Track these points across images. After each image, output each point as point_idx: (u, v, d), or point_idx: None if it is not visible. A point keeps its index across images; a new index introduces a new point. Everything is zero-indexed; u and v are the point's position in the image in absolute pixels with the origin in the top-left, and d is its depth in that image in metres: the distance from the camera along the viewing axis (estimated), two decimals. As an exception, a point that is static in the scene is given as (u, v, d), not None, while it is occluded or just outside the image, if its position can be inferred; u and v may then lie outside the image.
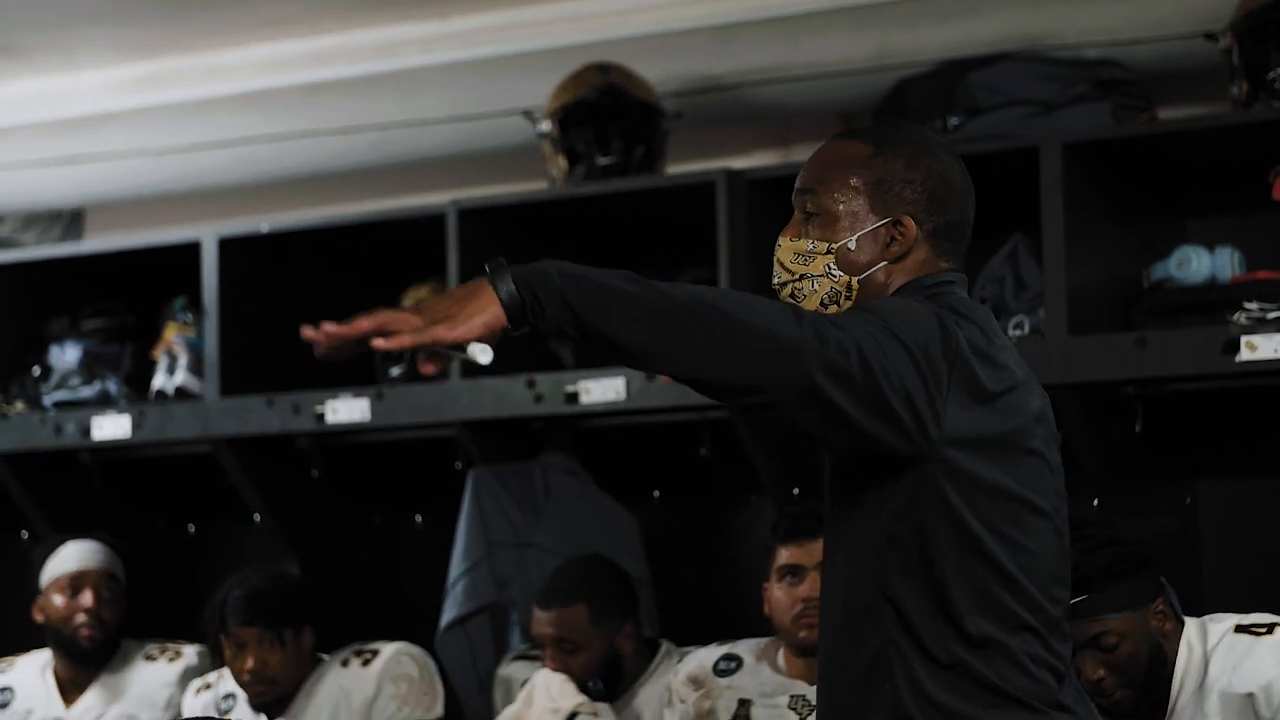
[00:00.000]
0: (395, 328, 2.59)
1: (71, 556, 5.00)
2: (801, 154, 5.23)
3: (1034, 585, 2.73)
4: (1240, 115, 4.21)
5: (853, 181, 2.84)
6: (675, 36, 5.08)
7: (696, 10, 5.09)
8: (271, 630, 4.60)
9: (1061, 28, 4.64)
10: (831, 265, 2.83)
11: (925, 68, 4.72)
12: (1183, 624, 3.65)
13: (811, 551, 4.02)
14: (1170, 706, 3.59)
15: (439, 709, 4.66)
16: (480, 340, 2.59)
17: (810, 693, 4.02)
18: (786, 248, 2.86)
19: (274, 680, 4.62)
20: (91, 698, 5.00)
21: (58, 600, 4.97)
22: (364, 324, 2.58)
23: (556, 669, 4.34)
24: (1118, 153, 4.29)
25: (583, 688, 4.32)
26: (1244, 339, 3.95)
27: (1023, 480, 2.73)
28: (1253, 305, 4.03)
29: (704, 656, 4.25)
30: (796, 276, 2.85)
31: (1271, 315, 3.99)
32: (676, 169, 5.03)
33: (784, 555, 4.07)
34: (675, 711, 4.22)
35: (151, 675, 4.98)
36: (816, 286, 2.84)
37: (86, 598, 4.95)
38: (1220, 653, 3.58)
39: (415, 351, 2.62)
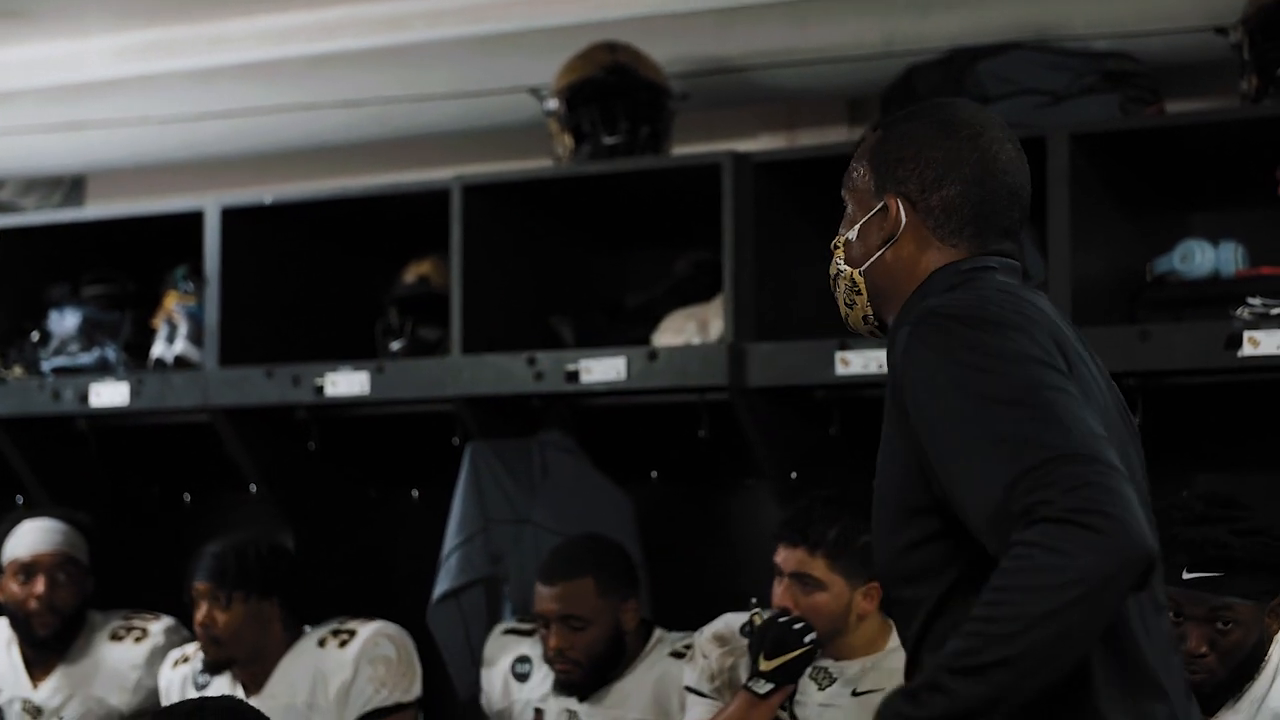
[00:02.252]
0: None
1: (24, 542, 4.91)
2: (807, 138, 5.25)
3: None
4: (1249, 110, 4.21)
5: (860, 171, 2.78)
6: (683, 17, 5.07)
7: (706, -9, 5.09)
8: (222, 590, 4.58)
9: (1071, 18, 4.63)
10: (840, 261, 2.79)
11: (934, 55, 4.71)
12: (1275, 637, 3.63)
13: (786, 559, 4.01)
14: (1237, 698, 3.59)
15: (417, 689, 4.64)
16: None
17: (832, 666, 4.03)
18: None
19: (219, 641, 4.58)
20: (58, 679, 4.95)
21: (12, 586, 4.90)
22: None
23: (560, 646, 4.32)
24: (1125, 145, 4.29)
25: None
26: (1246, 334, 3.95)
27: None
28: (1255, 300, 4.03)
29: (731, 619, 4.26)
30: (833, 276, 2.80)
31: (1274, 311, 3.99)
32: (682, 150, 5.03)
33: (776, 552, 4.06)
34: (697, 667, 4.22)
35: (119, 657, 4.93)
36: (839, 288, 2.80)
37: (39, 585, 4.86)
38: None
39: None
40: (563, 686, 4.41)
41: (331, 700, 4.58)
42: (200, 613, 4.59)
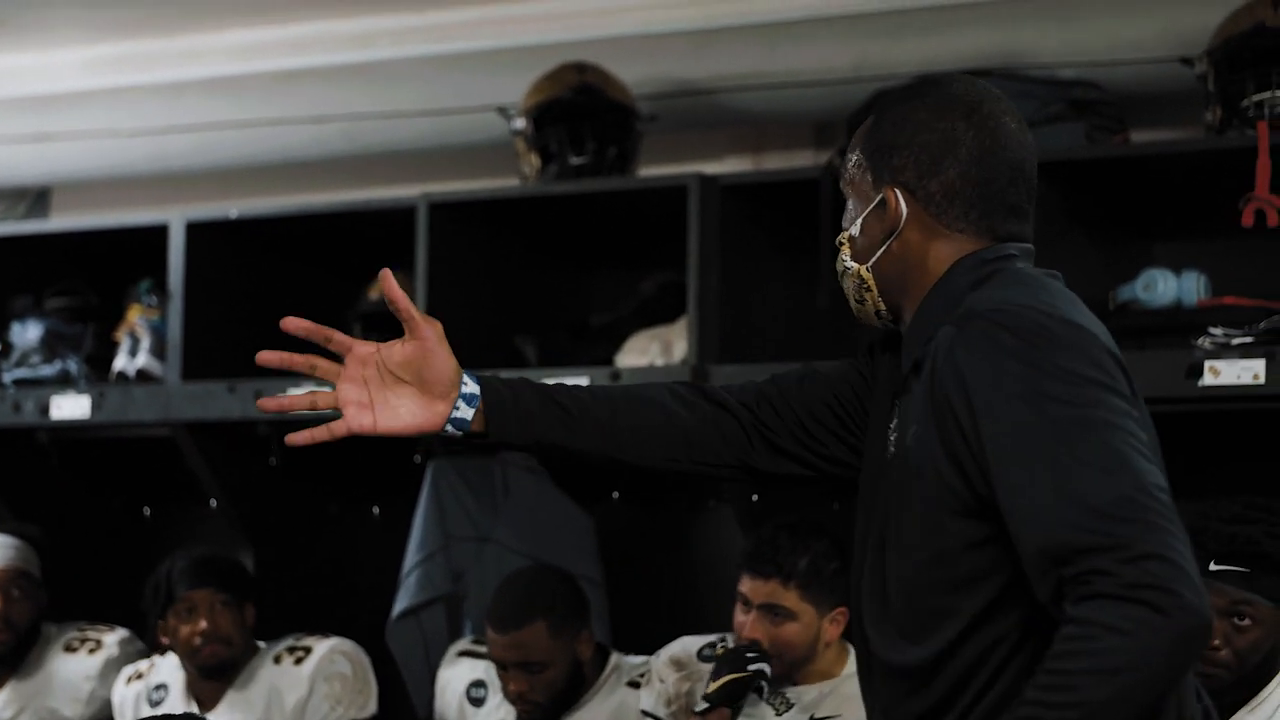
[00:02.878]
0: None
1: None
2: (774, 162, 5.26)
3: None
4: (1213, 141, 4.23)
5: (855, 160, 2.62)
6: (653, 39, 5.08)
7: (676, 13, 5.09)
8: (223, 592, 4.57)
9: (1039, 47, 4.65)
10: (846, 258, 2.63)
11: (903, 81, 4.71)
12: None
13: (756, 590, 3.99)
14: (1250, 707, 3.58)
15: (372, 707, 4.63)
16: None
17: (790, 692, 4.02)
18: None
19: (227, 641, 4.57)
20: (11, 692, 4.92)
21: None
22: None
23: (521, 691, 4.30)
24: (1090, 173, 4.30)
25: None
26: (1207, 363, 3.96)
27: None
28: (1217, 330, 4.04)
29: (689, 642, 4.25)
30: (840, 272, 2.66)
31: (1235, 341, 4.00)
32: (649, 171, 5.03)
33: (742, 582, 4.05)
34: (654, 691, 4.21)
35: (73, 668, 4.91)
36: (847, 285, 2.65)
37: None
38: None
39: None
40: None
41: (288, 717, 4.56)
42: (202, 620, 4.55)
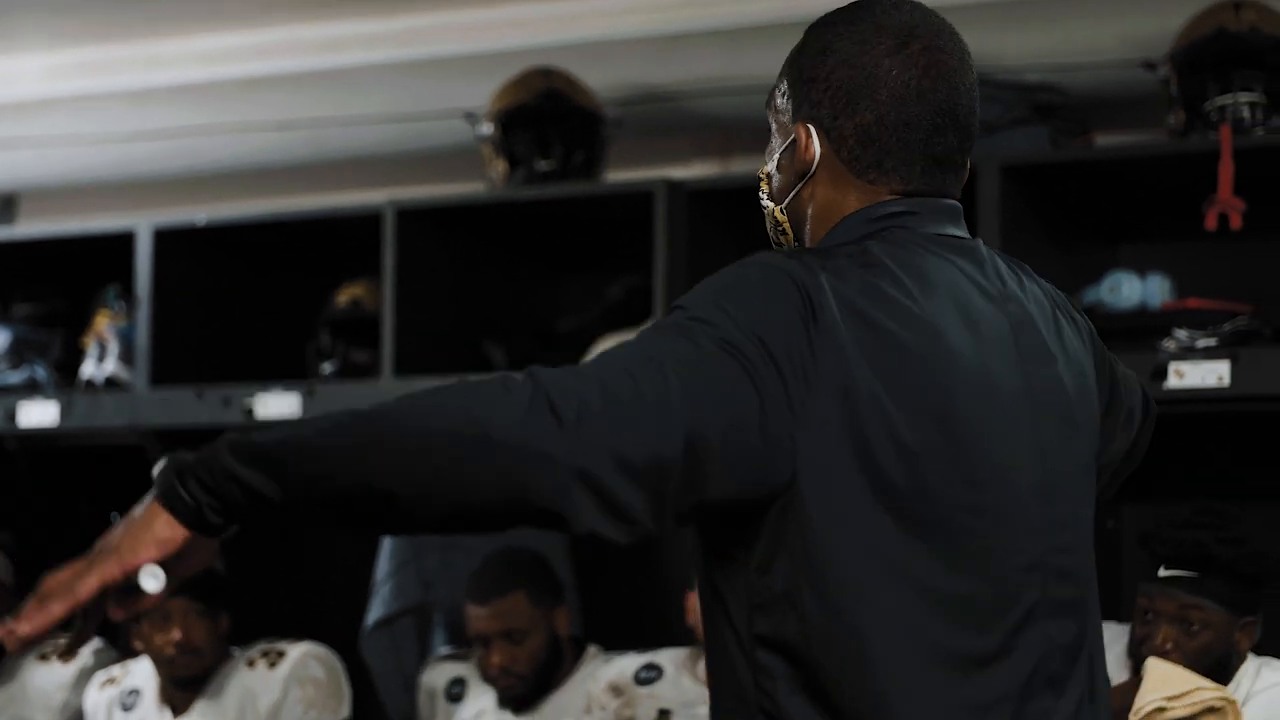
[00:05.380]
0: (53, 589, 2.12)
1: None
2: (741, 166, 5.28)
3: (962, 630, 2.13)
4: (1176, 144, 4.26)
5: (780, 88, 2.30)
6: (619, 44, 5.09)
7: (641, 19, 5.09)
8: (198, 601, 4.55)
9: (1002, 51, 4.67)
10: (764, 194, 2.35)
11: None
12: (1245, 657, 3.65)
13: None
14: None
15: (345, 711, 4.64)
16: (160, 559, 2.10)
17: None
18: None
19: (199, 652, 4.55)
20: None
21: None
22: (33, 607, 2.13)
23: (504, 663, 4.33)
24: (1054, 177, 4.33)
25: None
26: (1172, 365, 3.98)
27: (926, 484, 2.12)
28: (1182, 333, 4.07)
29: (625, 665, 4.26)
30: (763, 210, 2.37)
31: (1200, 343, 4.03)
32: (616, 177, 5.05)
33: None
34: (595, 719, 4.23)
35: (45, 678, 4.89)
36: (767, 219, 2.35)
37: None
38: (1260, 701, 3.59)
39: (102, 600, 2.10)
40: (506, 701, 4.42)
41: (261, 720, 4.57)
42: (176, 630, 4.53)
